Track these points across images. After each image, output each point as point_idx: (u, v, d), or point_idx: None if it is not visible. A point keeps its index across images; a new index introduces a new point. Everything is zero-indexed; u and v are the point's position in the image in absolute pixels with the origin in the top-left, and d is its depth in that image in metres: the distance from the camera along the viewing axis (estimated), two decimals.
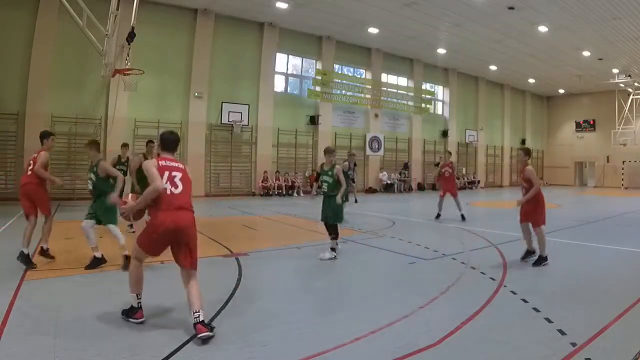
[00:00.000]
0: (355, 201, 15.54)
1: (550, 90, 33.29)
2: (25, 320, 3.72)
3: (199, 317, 3.49)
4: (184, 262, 3.74)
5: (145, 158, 7.91)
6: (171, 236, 3.69)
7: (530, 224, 6.37)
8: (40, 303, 4.19)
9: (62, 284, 4.94)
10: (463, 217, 10.88)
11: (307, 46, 21.11)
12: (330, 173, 6.68)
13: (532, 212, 6.30)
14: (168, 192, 3.74)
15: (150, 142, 8.70)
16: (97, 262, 5.70)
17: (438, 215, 11.17)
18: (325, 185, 6.70)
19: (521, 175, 6.51)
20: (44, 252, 6.14)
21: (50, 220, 6.23)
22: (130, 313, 3.75)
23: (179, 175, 3.86)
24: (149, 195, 3.69)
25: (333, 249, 6.55)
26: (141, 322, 3.69)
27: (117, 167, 9.42)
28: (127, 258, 5.33)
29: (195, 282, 3.73)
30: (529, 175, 6.32)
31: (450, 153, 12.40)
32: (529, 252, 6.43)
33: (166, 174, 3.78)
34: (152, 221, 3.73)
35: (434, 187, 25.90)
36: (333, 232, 6.61)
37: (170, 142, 4.06)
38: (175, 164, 3.92)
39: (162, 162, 3.84)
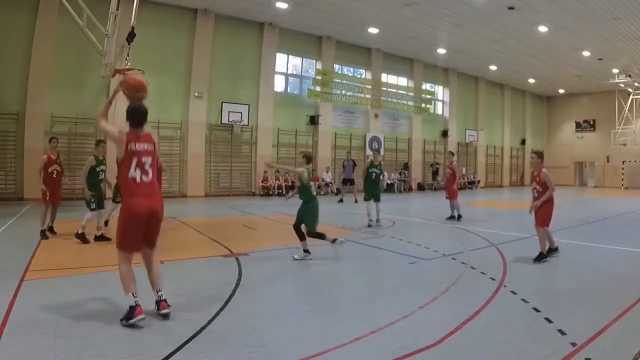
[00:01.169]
0: (355, 201, 15.55)
1: (550, 90, 33.28)
2: (25, 320, 3.71)
3: (162, 295, 3.81)
4: (148, 244, 3.85)
5: None
6: (146, 219, 3.72)
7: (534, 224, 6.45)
8: (40, 303, 4.18)
9: (62, 284, 4.92)
10: (459, 217, 10.94)
11: (307, 46, 21.09)
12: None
13: (544, 213, 6.34)
14: (138, 180, 3.68)
15: None
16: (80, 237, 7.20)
17: (451, 217, 11.14)
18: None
19: (536, 179, 6.48)
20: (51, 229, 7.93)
21: (43, 209, 7.65)
22: (130, 314, 3.55)
23: (148, 160, 3.75)
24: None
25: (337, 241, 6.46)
26: (142, 319, 3.55)
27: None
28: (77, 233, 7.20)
29: (157, 262, 3.96)
30: (544, 178, 6.34)
31: (452, 153, 12.00)
32: (552, 250, 6.55)
33: (134, 160, 3.68)
34: (124, 210, 3.71)
35: (433, 188, 25.94)
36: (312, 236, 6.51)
37: (141, 116, 3.83)
38: (146, 146, 3.77)
39: (131, 146, 3.68)
